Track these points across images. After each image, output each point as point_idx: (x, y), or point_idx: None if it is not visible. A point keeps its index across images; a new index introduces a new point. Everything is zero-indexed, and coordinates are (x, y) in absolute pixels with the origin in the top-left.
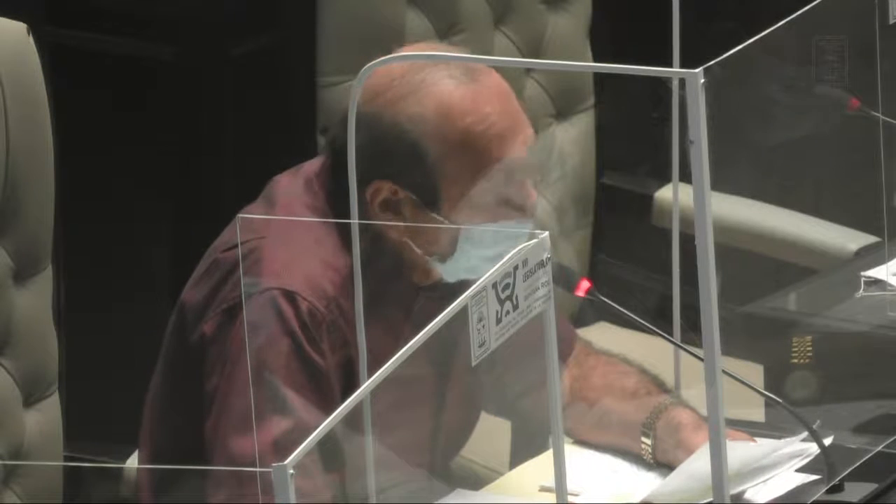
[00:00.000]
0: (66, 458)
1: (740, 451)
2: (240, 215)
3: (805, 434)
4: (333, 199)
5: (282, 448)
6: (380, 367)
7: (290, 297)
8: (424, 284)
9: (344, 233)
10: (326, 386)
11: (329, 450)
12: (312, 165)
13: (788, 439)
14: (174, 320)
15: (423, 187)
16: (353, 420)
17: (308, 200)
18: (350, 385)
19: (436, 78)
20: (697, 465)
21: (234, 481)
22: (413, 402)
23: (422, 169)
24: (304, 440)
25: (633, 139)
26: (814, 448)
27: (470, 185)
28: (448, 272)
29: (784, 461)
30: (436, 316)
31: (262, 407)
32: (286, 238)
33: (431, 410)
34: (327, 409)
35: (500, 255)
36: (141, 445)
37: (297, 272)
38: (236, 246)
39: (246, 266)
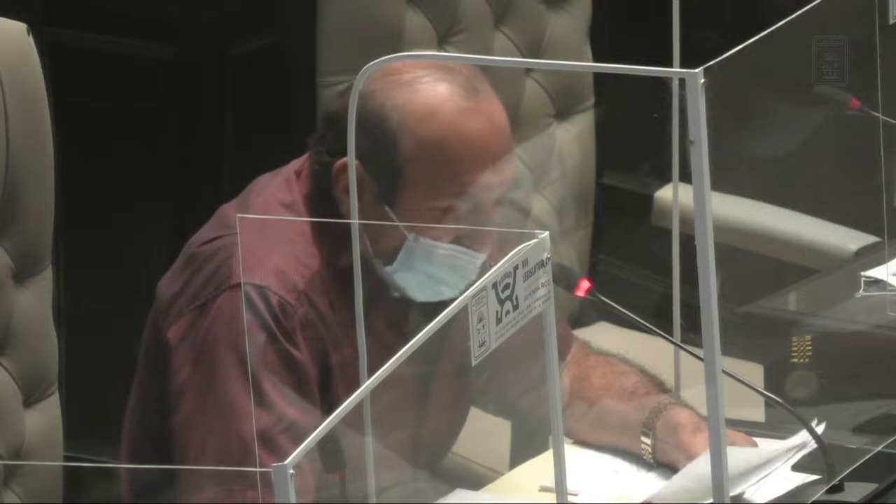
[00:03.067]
0: (66, 458)
1: (741, 455)
2: (238, 215)
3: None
4: (311, 197)
5: (265, 441)
6: (353, 360)
7: (261, 291)
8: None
9: (317, 230)
10: (304, 377)
11: (329, 450)
12: (296, 163)
13: (789, 440)
14: (150, 314)
15: (386, 180)
16: (348, 419)
17: (284, 198)
18: (326, 377)
19: (436, 78)
20: (701, 467)
21: (222, 479)
22: (396, 403)
23: (389, 161)
24: (287, 433)
25: (633, 139)
26: (811, 441)
27: (428, 197)
28: (387, 275)
29: (782, 456)
30: (394, 314)
31: (241, 400)
32: (258, 235)
33: (415, 412)
34: (306, 400)
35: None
36: (123, 442)
37: (267, 267)
38: (208, 242)
39: (218, 262)
